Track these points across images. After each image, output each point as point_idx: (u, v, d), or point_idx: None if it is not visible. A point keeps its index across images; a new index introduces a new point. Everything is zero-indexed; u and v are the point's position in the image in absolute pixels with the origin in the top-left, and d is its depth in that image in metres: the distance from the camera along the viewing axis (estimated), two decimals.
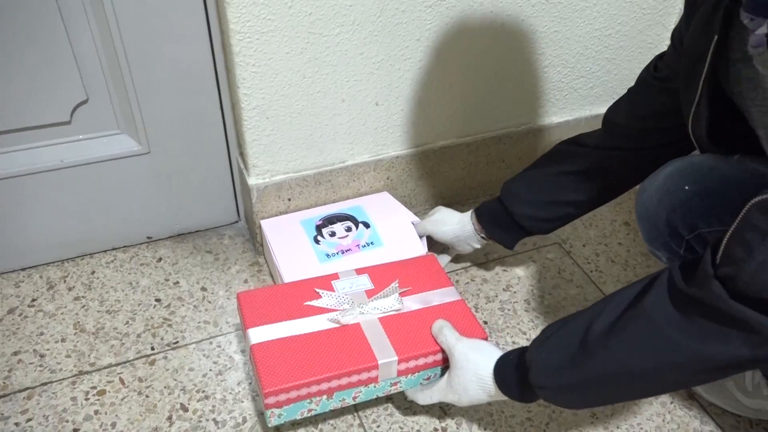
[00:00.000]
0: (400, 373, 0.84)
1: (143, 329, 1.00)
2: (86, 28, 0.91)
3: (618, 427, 0.90)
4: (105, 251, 1.14)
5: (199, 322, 1.02)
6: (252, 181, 1.07)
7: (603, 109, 0.95)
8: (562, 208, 0.96)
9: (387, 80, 1.06)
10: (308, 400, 0.81)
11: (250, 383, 0.93)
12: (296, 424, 0.88)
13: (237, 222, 1.22)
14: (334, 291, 0.91)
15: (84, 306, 1.04)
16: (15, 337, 0.98)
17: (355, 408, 0.90)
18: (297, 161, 1.08)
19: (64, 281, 1.08)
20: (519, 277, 1.13)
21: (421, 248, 1.07)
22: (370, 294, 0.91)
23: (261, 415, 0.89)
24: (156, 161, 1.06)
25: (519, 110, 1.23)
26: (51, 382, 0.92)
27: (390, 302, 0.89)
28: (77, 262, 1.12)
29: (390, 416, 0.90)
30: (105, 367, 0.94)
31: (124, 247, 1.15)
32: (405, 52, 1.04)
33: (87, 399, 0.90)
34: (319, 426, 0.88)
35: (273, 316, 0.87)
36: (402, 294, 0.92)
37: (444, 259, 1.11)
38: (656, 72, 0.85)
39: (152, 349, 0.97)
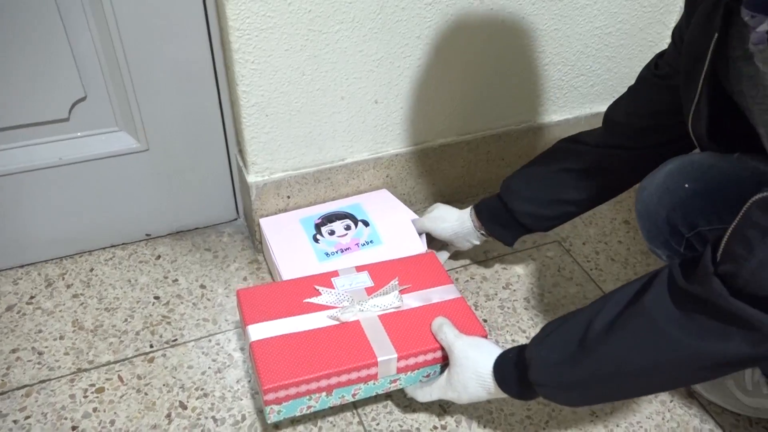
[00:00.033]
0: (399, 371, 0.84)
1: (142, 327, 1.00)
2: (84, 24, 0.91)
3: (618, 426, 0.90)
4: (103, 248, 1.14)
5: (198, 320, 1.02)
6: (251, 178, 1.07)
7: (603, 108, 0.95)
8: (562, 206, 0.96)
9: (387, 78, 1.05)
10: (307, 397, 0.81)
11: (249, 381, 0.93)
12: (295, 421, 0.88)
13: (236, 219, 1.21)
14: (333, 288, 0.91)
15: (82, 303, 1.04)
16: (13, 335, 0.98)
17: (355, 406, 0.90)
18: (296, 159, 1.08)
19: (63, 278, 1.08)
20: (519, 276, 1.13)
21: (420, 246, 1.07)
22: (369, 291, 0.91)
23: (260, 412, 0.88)
24: (155, 159, 1.06)
25: (519, 108, 1.23)
26: (49, 380, 0.92)
27: (390, 299, 0.89)
28: (76, 259, 1.12)
29: (389, 414, 0.89)
30: (104, 365, 0.94)
31: (123, 244, 1.15)
32: (405, 50, 1.04)
33: (86, 396, 0.90)
34: (319, 424, 0.88)
35: (272, 313, 0.86)
36: (402, 291, 0.91)
37: (443, 256, 1.11)
38: (657, 70, 0.85)
39: (151, 346, 0.97)
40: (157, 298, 1.05)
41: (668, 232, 0.81)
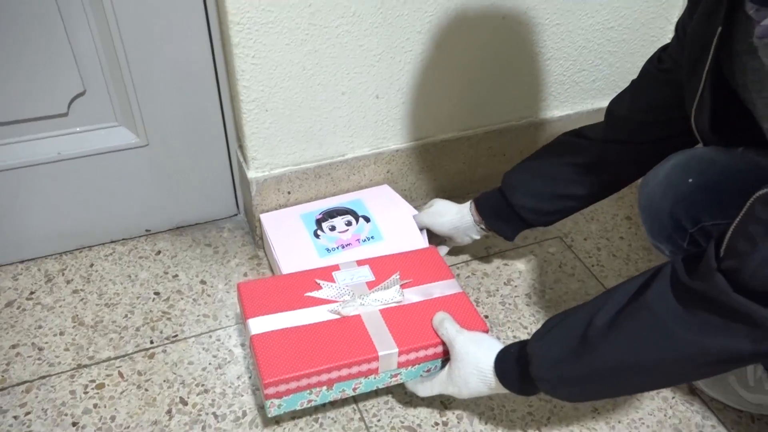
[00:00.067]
0: (400, 365, 0.84)
1: (142, 322, 1.00)
2: (83, 18, 0.90)
3: (619, 422, 0.89)
4: (103, 244, 1.14)
5: (198, 316, 1.01)
6: (251, 174, 1.06)
7: (605, 103, 0.95)
8: (564, 201, 0.96)
9: (387, 73, 1.05)
10: (308, 391, 0.81)
11: (250, 377, 0.93)
12: (296, 416, 0.87)
13: (236, 215, 1.21)
14: (334, 282, 0.91)
15: (82, 299, 1.03)
16: (13, 331, 0.98)
17: (355, 401, 0.90)
18: (297, 154, 1.08)
19: (63, 274, 1.08)
20: (520, 271, 1.13)
21: (421, 242, 1.06)
22: (371, 285, 0.91)
23: (261, 408, 0.88)
24: (154, 154, 1.06)
25: (520, 103, 1.23)
26: (49, 376, 0.92)
27: (391, 294, 0.89)
28: (75, 254, 1.12)
29: (390, 410, 0.89)
30: (104, 361, 0.94)
31: (123, 239, 1.15)
32: (406, 45, 1.03)
33: (86, 392, 0.89)
34: (320, 419, 0.87)
35: (273, 307, 0.86)
36: (403, 286, 0.91)
37: (442, 251, 1.11)
38: (660, 64, 0.85)
39: (151, 342, 0.97)
40: (157, 293, 1.05)
41: (671, 227, 0.81)
